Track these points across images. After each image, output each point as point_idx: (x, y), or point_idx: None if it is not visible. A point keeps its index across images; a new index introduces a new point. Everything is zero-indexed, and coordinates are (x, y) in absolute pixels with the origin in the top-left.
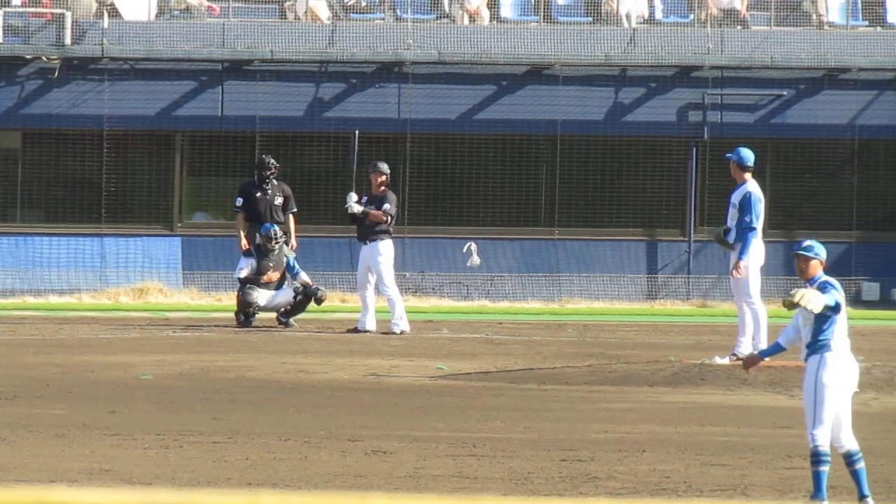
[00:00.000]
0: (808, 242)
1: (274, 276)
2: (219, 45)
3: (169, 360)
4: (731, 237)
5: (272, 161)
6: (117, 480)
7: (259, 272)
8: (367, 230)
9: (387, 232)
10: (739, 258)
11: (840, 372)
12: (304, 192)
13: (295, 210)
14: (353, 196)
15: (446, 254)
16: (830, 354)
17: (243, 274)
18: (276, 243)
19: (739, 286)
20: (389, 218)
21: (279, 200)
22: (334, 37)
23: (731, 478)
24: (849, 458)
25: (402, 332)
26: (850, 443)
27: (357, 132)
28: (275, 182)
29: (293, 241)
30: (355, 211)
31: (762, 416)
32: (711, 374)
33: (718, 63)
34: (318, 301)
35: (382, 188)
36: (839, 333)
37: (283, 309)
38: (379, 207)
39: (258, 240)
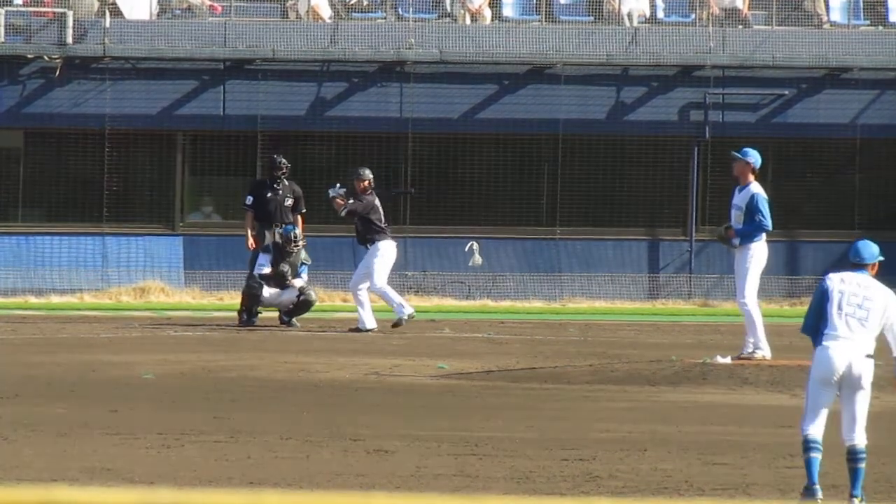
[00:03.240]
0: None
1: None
2: (220, 44)
3: (170, 360)
4: (735, 240)
5: (283, 161)
6: (119, 479)
7: (273, 269)
8: (363, 234)
9: (381, 234)
10: (743, 242)
11: (823, 366)
12: (305, 191)
13: (304, 211)
14: (338, 186)
15: (448, 253)
16: (817, 349)
17: (265, 271)
18: (296, 246)
19: (738, 285)
20: (345, 211)
21: (289, 202)
22: (336, 36)
23: (732, 477)
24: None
25: (410, 316)
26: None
27: (413, 191)
28: (286, 182)
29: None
30: (333, 193)
31: (764, 415)
32: (713, 374)
33: (720, 62)
34: (306, 303)
35: (369, 192)
36: (830, 329)
37: (285, 309)
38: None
39: (277, 238)
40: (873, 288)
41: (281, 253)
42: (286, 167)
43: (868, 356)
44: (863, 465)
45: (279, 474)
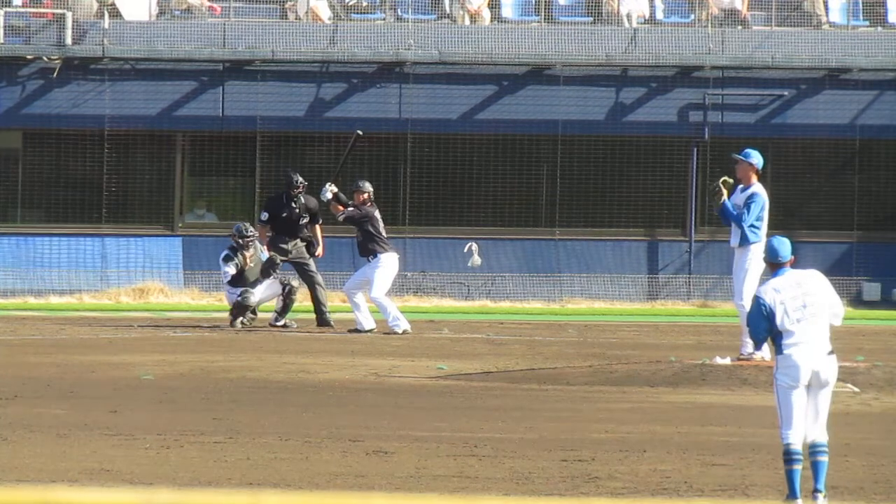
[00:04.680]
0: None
1: (252, 263)
2: (220, 45)
3: (170, 360)
4: (735, 241)
5: (300, 179)
6: (118, 480)
7: (240, 270)
8: (364, 246)
9: (382, 246)
10: (742, 244)
11: (790, 372)
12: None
13: (320, 221)
14: (331, 186)
15: (447, 254)
16: (780, 356)
17: (230, 275)
18: (249, 240)
19: (735, 286)
20: (342, 216)
21: (304, 220)
22: (335, 37)
23: (732, 478)
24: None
25: (404, 332)
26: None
27: (358, 132)
28: (302, 199)
29: (320, 250)
30: (325, 197)
31: (763, 415)
32: (712, 375)
33: (719, 63)
34: (291, 292)
35: (368, 205)
36: (788, 337)
37: (275, 315)
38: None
39: (234, 240)
40: (805, 281)
41: (235, 252)
42: (303, 185)
43: (830, 353)
44: (824, 459)
45: (278, 475)
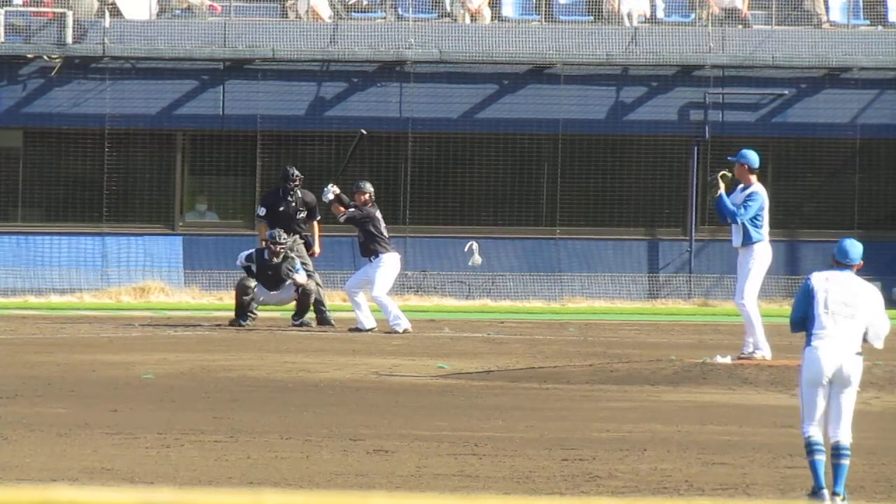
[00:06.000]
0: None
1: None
2: (220, 44)
3: (170, 359)
4: (737, 241)
5: (296, 172)
6: (119, 479)
7: (257, 277)
8: (366, 246)
9: (384, 246)
10: (745, 243)
11: (813, 367)
12: None
13: (318, 218)
14: (333, 187)
15: (448, 253)
16: (807, 349)
17: (242, 260)
18: (282, 247)
19: (738, 285)
20: (343, 217)
21: (302, 214)
22: (336, 36)
23: (732, 477)
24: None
25: (405, 331)
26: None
27: (363, 132)
28: (298, 193)
29: (316, 248)
30: (326, 198)
31: (763, 414)
32: (713, 374)
33: (720, 62)
34: (306, 295)
35: (369, 205)
36: (818, 328)
37: (294, 313)
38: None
39: (266, 245)
40: (858, 284)
41: (267, 259)
42: (299, 178)
43: (858, 353)
44: (846, 462)
45: (279, 474)
